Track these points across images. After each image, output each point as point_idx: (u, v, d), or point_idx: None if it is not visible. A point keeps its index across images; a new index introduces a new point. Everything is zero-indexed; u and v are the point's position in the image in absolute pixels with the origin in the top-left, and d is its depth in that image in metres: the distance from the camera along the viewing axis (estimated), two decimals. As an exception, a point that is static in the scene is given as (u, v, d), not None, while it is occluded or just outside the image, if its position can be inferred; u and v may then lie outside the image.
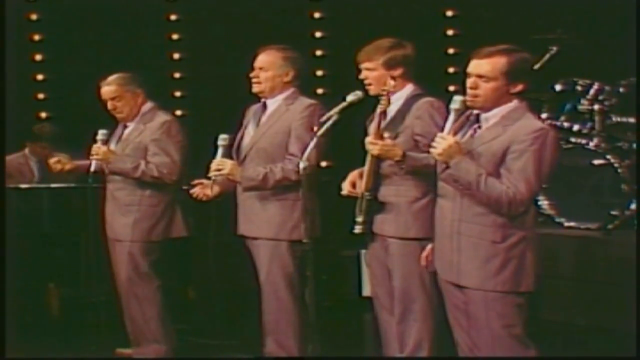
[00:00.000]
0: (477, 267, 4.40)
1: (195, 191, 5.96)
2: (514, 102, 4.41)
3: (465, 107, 4.45)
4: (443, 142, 4.36)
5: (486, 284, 4.39)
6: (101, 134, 6.22)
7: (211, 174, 5.76)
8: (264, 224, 5.74)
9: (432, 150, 4.39)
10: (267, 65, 5.79)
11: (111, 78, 6.26)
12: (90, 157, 6.19)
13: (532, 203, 4.46)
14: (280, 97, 5.81)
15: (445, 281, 4.59)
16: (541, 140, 4.31)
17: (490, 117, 4.42)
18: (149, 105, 6.30)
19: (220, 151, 5.79)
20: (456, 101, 4.44)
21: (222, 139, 5.80)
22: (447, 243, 4.50)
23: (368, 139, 5.11)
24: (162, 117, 6.27)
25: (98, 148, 6.17)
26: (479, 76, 4.38)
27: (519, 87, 4.40)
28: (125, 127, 6.31)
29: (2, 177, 6.97)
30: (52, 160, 6.53)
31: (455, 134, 4.44)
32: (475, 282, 4.42)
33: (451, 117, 4.44)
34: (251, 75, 5.83)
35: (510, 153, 4.31)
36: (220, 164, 5.75)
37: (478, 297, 4.42)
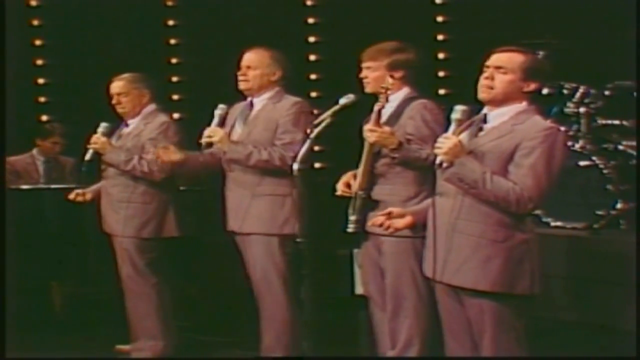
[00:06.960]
0: (475, 267, 4.31)
1: (158, 153, 6.00)
2: (524, 104, 4.35)
3: (467, 116, 4.37)
4: (447, 141, 4.26)
5: (482, 283, 4.30)
6: (102, 126, 6.30)
7: (202, 140, 5.83)
8: (255, 219, 5.80)
9: (436, 150, 4.29)
10: (256, 63, 5.86)
11: (123, 75, 6.36)
12: (88, 146, 6.26)
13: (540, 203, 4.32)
14: (266, 96, 5.89)
15: (439, 286, 4.49)
16: (552, 139, 4.24)
17: (499, 116, 4.35)
18: (152, 107, 6.38)
19: (215, 120, 5.86)
20: (457, 111, 4.35)
21: (220, 108, 5.89)
22: (443, 242, 4.38)
23: (366, 127, 5.12)
24: (162, 118, 6.33)
25: (97, 138, 6.25)
26: (497, 67, 4.33)
27: (532, 86, 4.35)
28: (126, 125, 6.37)
29: (3, 177, 7.03)
30: (71, 196, 6.56)
31: (459, 133, 4.34)
32: (471, 282, 4.32)
33: (452, 127, 4.32)
34: (238, 73, 5.88)
35: (520, 150, 4.23)
36: (212, 132, 5.82)
37: (474, 297, 4.33)
